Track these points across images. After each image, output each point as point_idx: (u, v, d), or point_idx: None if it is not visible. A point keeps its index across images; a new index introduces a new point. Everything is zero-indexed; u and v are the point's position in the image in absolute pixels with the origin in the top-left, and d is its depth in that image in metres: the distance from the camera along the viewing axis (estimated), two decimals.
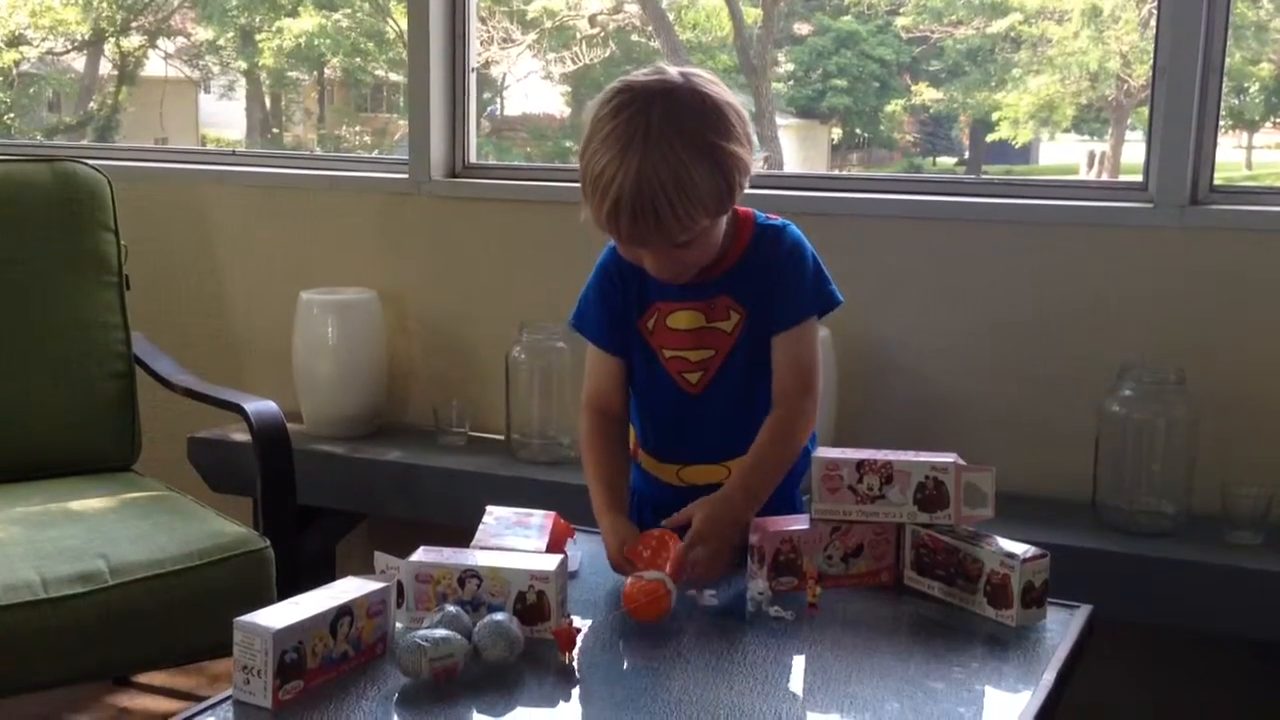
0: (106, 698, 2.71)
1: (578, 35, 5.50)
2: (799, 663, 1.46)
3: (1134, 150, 4.73)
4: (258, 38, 6.56)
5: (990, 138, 5.63)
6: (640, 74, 1.64)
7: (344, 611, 1.39)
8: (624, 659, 1.49)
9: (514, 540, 1.63)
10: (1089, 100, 5.34)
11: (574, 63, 5.55)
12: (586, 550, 1.75)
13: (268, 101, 7.26)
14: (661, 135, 1.55)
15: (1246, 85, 4.85)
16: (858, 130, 6.22)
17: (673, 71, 1.63)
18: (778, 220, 1.77)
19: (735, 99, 1.65)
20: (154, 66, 6.99)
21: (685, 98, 1.59)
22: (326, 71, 6.94)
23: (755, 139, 1.67)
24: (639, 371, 1.79)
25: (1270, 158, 6.15)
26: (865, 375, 2.55)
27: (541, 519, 1.70)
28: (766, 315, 1.73)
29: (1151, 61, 2.46)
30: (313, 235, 3.09)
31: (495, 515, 1.71)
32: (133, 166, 3.30)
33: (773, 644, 1.51)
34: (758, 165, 1.68)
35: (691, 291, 1.72)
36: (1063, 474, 2.44)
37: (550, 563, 1.49)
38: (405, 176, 2.99)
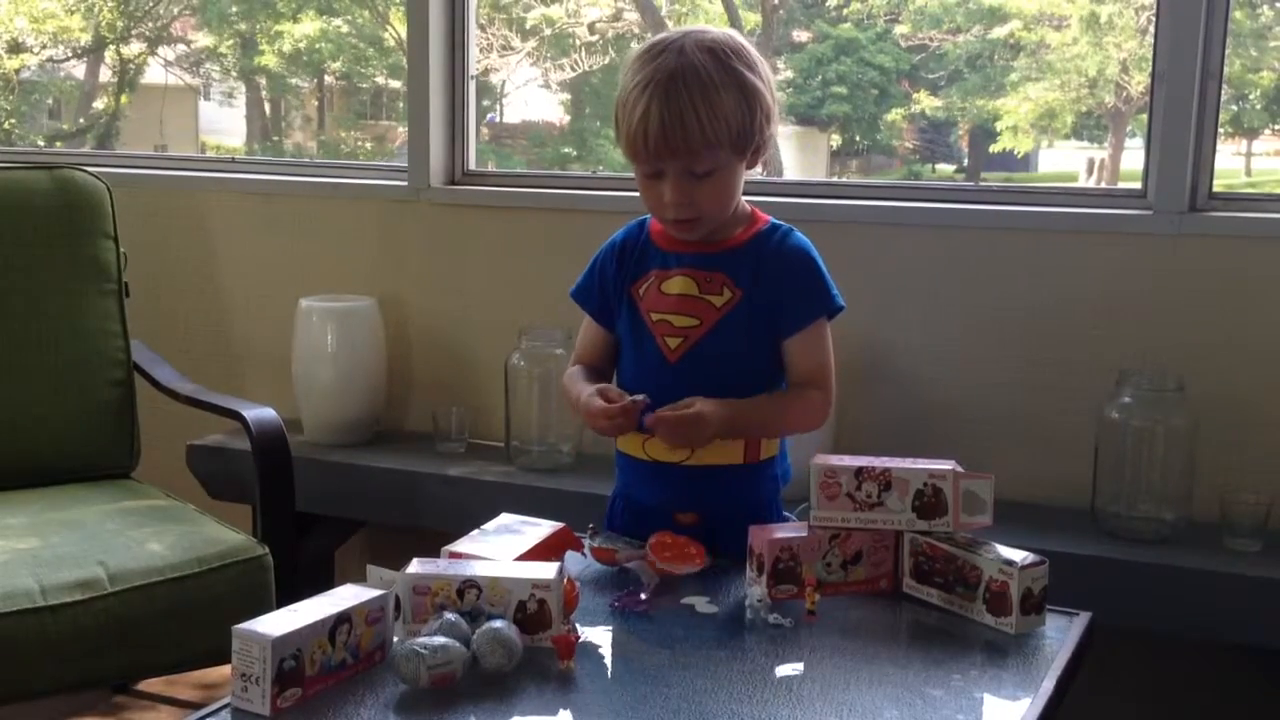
0: (105, 705, 2.70)
1: (576, 43, 5.51)
2: (797, 670, 1.46)
3: (1133, 157, 4.74)
4: (258, 39, 6.57)
5: (993, 148, 5.63)
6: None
7: (343, 619, 1.39)
8: (623, 667, 1.49)
9: (497, 543, 1.63)
10: (1088, 107, 5.34)
11: (573, 70, 5.55)
12: (580, 563, 1.75)
13: (268, 108, 7.27)
14: (692, 56, 1.69)
15: (1247, 93, 4.86)
16: (857, 137, 6.22)
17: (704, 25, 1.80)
18: (785, 225, 1.86)
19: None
20: (154, 74, 7.00)
21: (714, 33, 1.75)
22: (326, 79, 6.94)
23: (775, 92, 1.77)
24: (625, 337, 1.86)
25: (1270, 165, 6.15)
26: (864, 381, 2.55)
27: (547, 529, 1.69)
28: (773, 315, 1.78)
29: (1150, 68, 2.46)
30: (312, 242, 3.10)
31: (498, 522, 1.70)
32: (133, 174, 3.30)
33: (771, 651, 1.51)
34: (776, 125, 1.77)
35: (690, 259, 1.80)
36: (1062, 481, 2.44)
37: (551, 571, 1.49)
38: (405, 183, 2.99)
